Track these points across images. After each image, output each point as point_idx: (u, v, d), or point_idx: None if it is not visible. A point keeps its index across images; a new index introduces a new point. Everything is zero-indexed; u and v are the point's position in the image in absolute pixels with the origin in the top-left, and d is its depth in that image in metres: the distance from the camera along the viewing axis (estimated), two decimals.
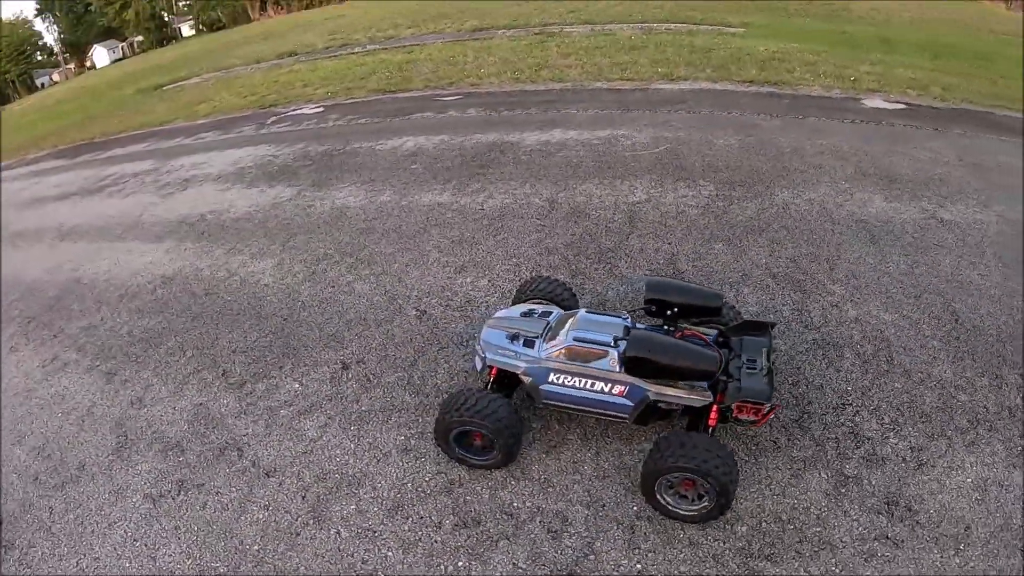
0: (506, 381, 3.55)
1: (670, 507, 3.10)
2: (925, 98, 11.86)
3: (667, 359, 3.13)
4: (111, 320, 5.62)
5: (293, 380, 4.41)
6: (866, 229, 5.90)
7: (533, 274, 4.93)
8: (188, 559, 3.33)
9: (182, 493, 3.69)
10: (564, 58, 14.22)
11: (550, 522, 3.14)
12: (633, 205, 6.40)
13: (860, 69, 13.83)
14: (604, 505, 3.21)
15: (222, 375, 4.61)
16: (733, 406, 3.14)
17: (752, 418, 3.17)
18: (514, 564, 2.97)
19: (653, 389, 3.22)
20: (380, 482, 3.47)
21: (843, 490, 3.28)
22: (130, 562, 3.42)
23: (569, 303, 4.07)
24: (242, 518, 3.45)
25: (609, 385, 3.26)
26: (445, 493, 3.35)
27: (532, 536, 3.08)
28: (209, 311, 5.47)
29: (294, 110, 11.57)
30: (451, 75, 12.97)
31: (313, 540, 3.23)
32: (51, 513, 3.83)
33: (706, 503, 2.99)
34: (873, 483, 3.32)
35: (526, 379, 3.41)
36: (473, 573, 2.95)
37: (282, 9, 51.48)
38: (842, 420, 3.71)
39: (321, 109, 11.37)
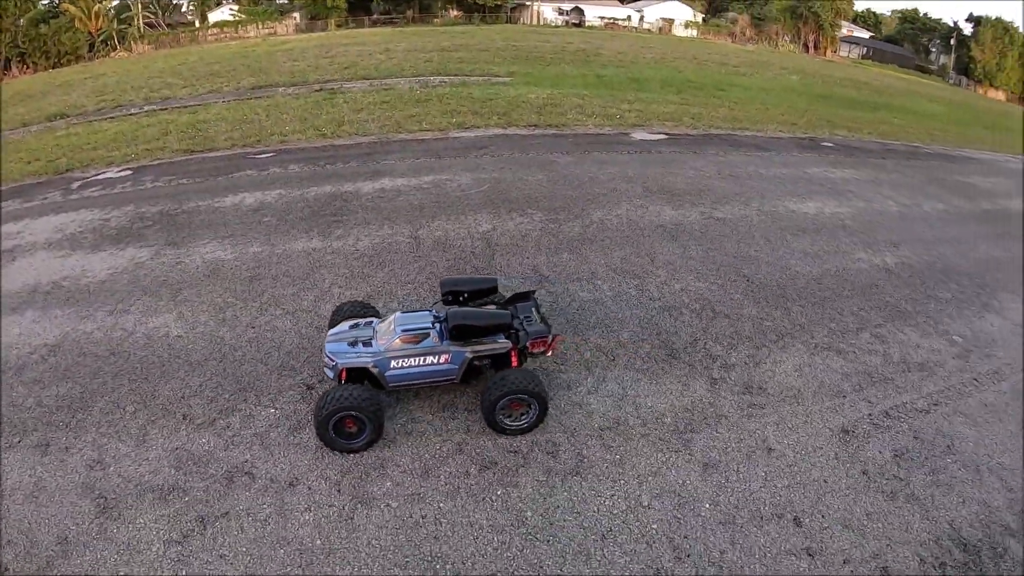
0: (354, 377, 4.54)
1: (513, 425, 4.45)
2: (680, 128, 15.44)
3: (479, 321, 4.53)
4: (6, 395, 5.20)
5: (265, 407, 4.87)
6: (666, 231, 8.19)
7: (340, 302, 5.91)
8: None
9: (208, 526, 3.94)
10: (357, 113, 15.18)
11: (545, 447, 4.35)
12: (484, 234, 7.86)
13: (621, 107, 17.18)
14: (576, 430, 4.54)
15: (184, 419, 4.78)
16: (528, 345, 4.64)
17: (542, 349, 4.71)
18: (536, 479, 4.12)
19: (469, 350, 4.56)
20: (400, 460, 4.29)
21: (716, 386, 5.13)
22: None
23: (374, 315, 5.21)
24: (288, 524, 3.92)
25: (437, 357, 4.50)
26: (458, 452, 4.32)
27: (538, 460, 4.25)
28: (128, 369, 5.42)
29: (97, 174, 10.92)
30: (253, 133, 13.30)
31: (369, 517, 3.92)
32: None
33: (534, 411, 4.43)
34: (733, 379, 5.24)
35: (375, 370, 4.46)
36: (514, 494, 4.01)
37: (28, 68, 46.52)
38: (698, 349, 5.61)
39: (129, 172, 10.97)
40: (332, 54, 26.69)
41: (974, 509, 4.32)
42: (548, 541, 3.69)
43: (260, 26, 44.28)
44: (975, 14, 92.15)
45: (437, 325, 4.54)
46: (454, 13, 53.98)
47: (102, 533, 3.93)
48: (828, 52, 64.27)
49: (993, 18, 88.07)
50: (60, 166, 11.48)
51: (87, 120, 15.58)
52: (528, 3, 55.83)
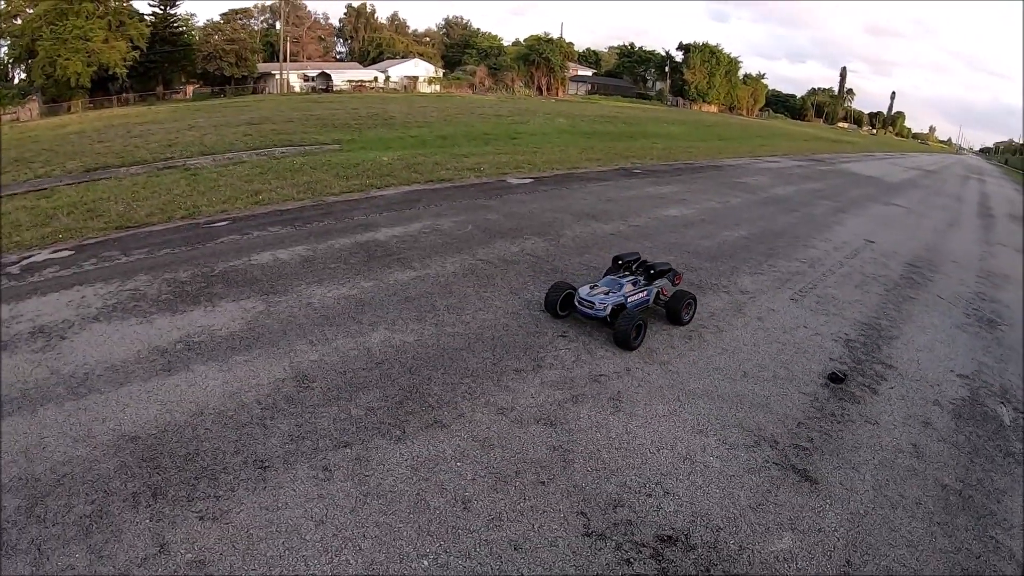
0: (614, 313, 8.11)
1: (687, 318, 8.70)
2: (533, 172, 20.52)
3: (664, 267, 8.89)
4: (211, 452, 5.15)
5: (555, 352, 7.40)
6: (618, 236, 13.07)
7: (555, 282, 8.84)
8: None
9: (622, 399, 6.39)
10: (250, 183, 16.18)
11: (697, 329, 8.62)
12: (522, 252, 11.06)
13: (467, 161, 21.30)
14: (697, 320, 8.95)
15: (518, 372, 6.72)
16: (675, 279, 9.16)
17: (679, 282, 9.23)
18: (708, 338, 8.28)
19: (654, 285, 8.86)
20: (655, 346, 7.59)
21: (729, 295, 10.13)
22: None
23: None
24: (649, 380, 6.76)
25: (643, 292, 8.57)
26: (669, 336, 8.11)
27: (700, 332, 8.40)
28: (419, 364, 6.72)
29: (28, 256, 10.23)
30: (170, 208, 13.55)
31: (677, 365, 7.08)
32: None
33: (694, 308, 8.87)
34: (732, 292, 10.36)
35: (626, 303, 8.25)
36: (708, 345, 7.98)
37: None
38: (705, 284, 10.55)
39: (70, 252, 10.38)
40: (137, 134, 27.34)
41: (858, 316, 10.09)
42: (740, 351, 8.02)
43: (1, 111, 40.88)
44: (683, 42, 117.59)
45: (634, 277, 8.59)
46: (192, 87, 54.49)
47: (567, 427, 5.82)
48: (560, 92, 77.61)
49: (700, 44, 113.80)
50: None
51: None
52: (274, 72, 58.33)
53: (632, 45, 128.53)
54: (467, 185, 17.85)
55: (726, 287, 10.57)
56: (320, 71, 61.87)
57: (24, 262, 9.96)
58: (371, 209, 13.86)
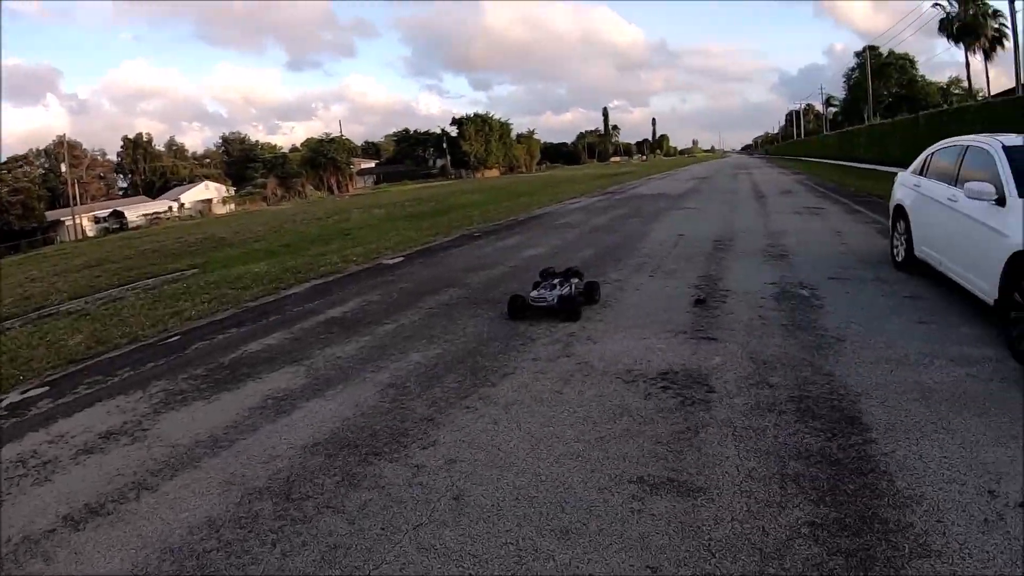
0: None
1: (598, 296, 13.43)
2: (396, 253, 24.16)
3: (575, 269, 13.63)
4: None
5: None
6: (507, 274, 17.64)
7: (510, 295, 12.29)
8: None
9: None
10: (154, 309, 16.41)
11: (598, 308, 13.27)
12: (452, 298, 14.52)
13: (334, 257, 23.07)
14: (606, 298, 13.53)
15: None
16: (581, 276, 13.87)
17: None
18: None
19: (570, 282, 13.16)
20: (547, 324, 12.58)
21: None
22: None
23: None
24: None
25: (568, 287, 12.76)
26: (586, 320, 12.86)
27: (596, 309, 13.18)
28: (417, 397, 8.26)
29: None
30: (106, 338, 13.16)
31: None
32: None
33: (599, 293, 13.48)
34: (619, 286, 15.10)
35: (564, 293, 12.85)
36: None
37: None
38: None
39: (46, 387, 9.65)
40: None
41: (695, 275, 15.39)
42: (638, 307, 12.63)
43: None
44: (455, 116, 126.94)
45: (559, 279, 12.78)
46: None
47: (575, 351, 9.68)
48: (350, 188, 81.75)
49: (471, 115, 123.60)
50: None
51: None
52: (63, 219, 56.29)
53: (407, 129, 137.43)
54: (356, 271, 20.33)
55: (602, 281, 14.87)
56: (111, 209, 60.25)
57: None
58: (298, 301, 15.29)
